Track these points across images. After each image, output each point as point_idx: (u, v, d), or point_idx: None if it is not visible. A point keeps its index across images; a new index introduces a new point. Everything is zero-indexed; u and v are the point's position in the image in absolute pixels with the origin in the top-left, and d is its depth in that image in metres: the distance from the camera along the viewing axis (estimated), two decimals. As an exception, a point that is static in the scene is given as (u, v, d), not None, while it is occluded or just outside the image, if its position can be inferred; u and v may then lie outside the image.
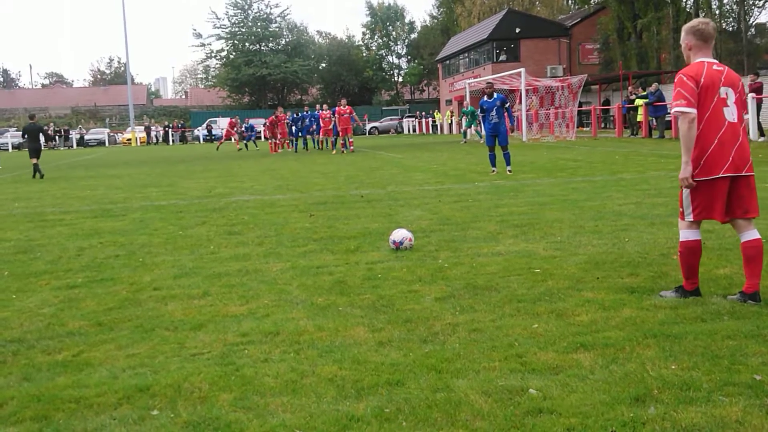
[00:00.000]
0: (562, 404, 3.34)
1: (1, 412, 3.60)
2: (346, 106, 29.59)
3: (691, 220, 4.99)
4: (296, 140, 33.38)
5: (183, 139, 63.01)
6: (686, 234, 5.03)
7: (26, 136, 22.73)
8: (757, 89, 23.31)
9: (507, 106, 15.64)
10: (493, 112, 15.34)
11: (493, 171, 15.55)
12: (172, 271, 6.81)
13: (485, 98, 15.65)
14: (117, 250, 8.07)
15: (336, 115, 29.66)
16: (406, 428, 3.19)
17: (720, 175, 4.79)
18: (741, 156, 4.83)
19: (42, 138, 23.16)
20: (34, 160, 21.77)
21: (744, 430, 3.02)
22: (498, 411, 3.31)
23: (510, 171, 15.31)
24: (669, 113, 28.41)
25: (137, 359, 4.29)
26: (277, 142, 33.94)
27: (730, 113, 4.86)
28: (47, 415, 3.52)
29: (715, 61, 4.98)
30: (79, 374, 4.08)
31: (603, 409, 3.26)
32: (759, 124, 23.24)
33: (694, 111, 4.77)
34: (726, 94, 4.87)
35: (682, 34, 5.07)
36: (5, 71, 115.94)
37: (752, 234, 4.93)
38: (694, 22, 5.05)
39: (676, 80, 4.91)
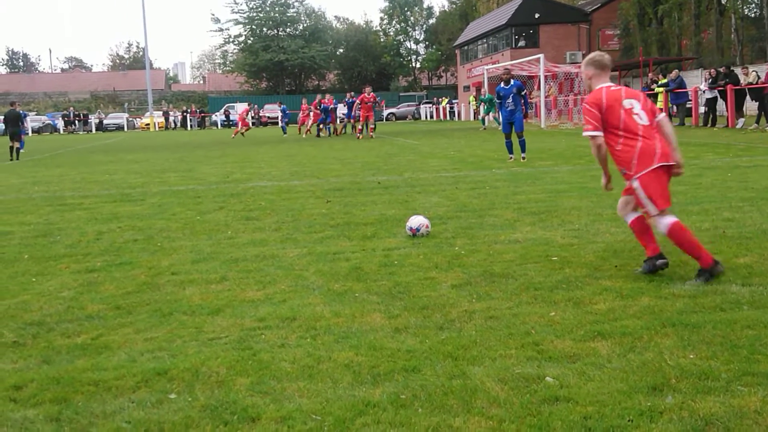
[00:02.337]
0: (578, 393, 3.33)
1: (21, 394, 3.64)
2: (371, 94, 30.23)
3: (658, 211, 5.24)
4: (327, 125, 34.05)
5: (201, 125, 63.18)
6: (664, 222, 5.26)
7: (7, 121, 24.76)
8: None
9: (523, 93, 15.57)
10: (510, 99, 15.31)
11: (511, 158, 15.48)
12: (190, 255, 6.85)
13: (502, 85, 15.60)
14: (135, 234, 8.12)
15: (359, 102, 30.45)
16: (421, 414, 3.19)
17: (656, 165, 5.22)
18: (665, 148, 5.29)
19: (21, 124, 25.46)
20: (16, 144, 24.12)
21: (763, 420, 3.00)
22: (514, 398, 3.31)
23: (524, 158, 15.23)
24: (690, 100, 28.16)
25: (155, 343, 4.33)
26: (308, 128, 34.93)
27: (640, 118, 5.36)
28: (66, 397, 3.56)
29: (612, 84, 5.62)
30: (97, 357, 4.12)
31: (620, 398, 3.25)
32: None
33: (600, 134, 5.43)
34: (631, 104, 5.40)
35: (582, 66, 5.77)
36: (25, 55, 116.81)
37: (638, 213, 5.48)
38: (592, 54, 5.76)
39: (583, 108, 5.57)
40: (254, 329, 4.51)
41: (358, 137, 29.34)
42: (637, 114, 5.38)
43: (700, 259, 5.16)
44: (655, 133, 5.36)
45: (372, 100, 29.90)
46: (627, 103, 5.40)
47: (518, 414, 3.15)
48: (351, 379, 3.62)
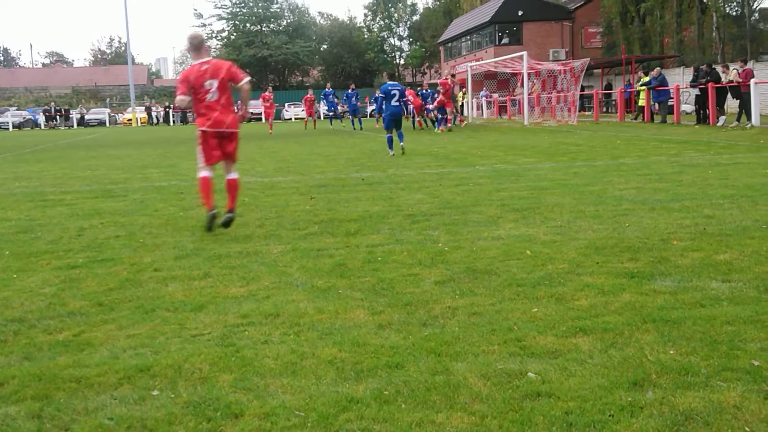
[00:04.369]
0: (560, 388, 3.35)
1: (2, 391, 3.62)
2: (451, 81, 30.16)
3: (204, 164, 7.67)
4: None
5: (184, 120, 62.76)
6: (200, 174, 7.68)
7: None
8: (747, 75, 23.25)
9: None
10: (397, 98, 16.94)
11: (391, 153, 16.88)
12: (172, 252, 6.82)
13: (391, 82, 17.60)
14: (117, 230, 8.07)
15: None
16: (405, 410, 3.21)
17: (205, 129, 7.59)
18: (218, 120, 7.60)
19: None
20: None
21: (742, 416, 3.04)
22: (497, 394, 3.33)
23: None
24: (671, 98, 28.34)
25: (138, 339, 4.31)
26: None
27: (211, 95, 7.58)
28: (48, 394, 3.54)
29: (205, 60, 7.60)
30: (80, 354, 4.10)
31: (601, 393, 3.28)
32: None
33: (185, 98, 7.56)
34: (210, 84, 7.54)
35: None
36: (6, 50, 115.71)
37: (233, 175, 7.89)
38: (188, 35, 7.61)
39: (177, 80, 7.69)
40: (237, 326, 4.50)
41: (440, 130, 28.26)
42: (210, 92, 7.55)
43: (206, 206, 7.59)
44: (217, 106, 7.59)
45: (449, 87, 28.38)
46: (207, 84, 7.53)
47: (500, 409, 3.17)
48: (334, 376, 3.63)
